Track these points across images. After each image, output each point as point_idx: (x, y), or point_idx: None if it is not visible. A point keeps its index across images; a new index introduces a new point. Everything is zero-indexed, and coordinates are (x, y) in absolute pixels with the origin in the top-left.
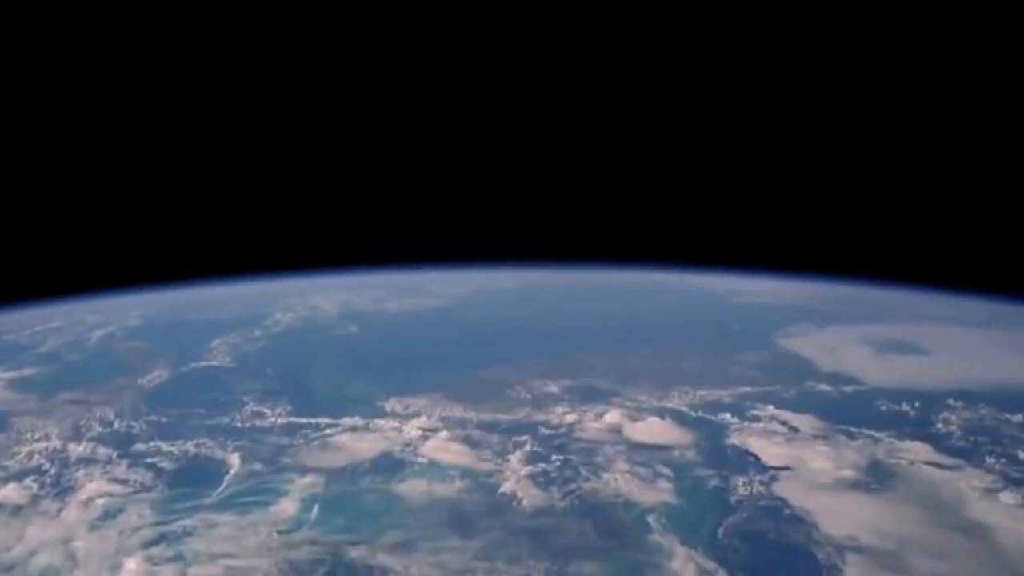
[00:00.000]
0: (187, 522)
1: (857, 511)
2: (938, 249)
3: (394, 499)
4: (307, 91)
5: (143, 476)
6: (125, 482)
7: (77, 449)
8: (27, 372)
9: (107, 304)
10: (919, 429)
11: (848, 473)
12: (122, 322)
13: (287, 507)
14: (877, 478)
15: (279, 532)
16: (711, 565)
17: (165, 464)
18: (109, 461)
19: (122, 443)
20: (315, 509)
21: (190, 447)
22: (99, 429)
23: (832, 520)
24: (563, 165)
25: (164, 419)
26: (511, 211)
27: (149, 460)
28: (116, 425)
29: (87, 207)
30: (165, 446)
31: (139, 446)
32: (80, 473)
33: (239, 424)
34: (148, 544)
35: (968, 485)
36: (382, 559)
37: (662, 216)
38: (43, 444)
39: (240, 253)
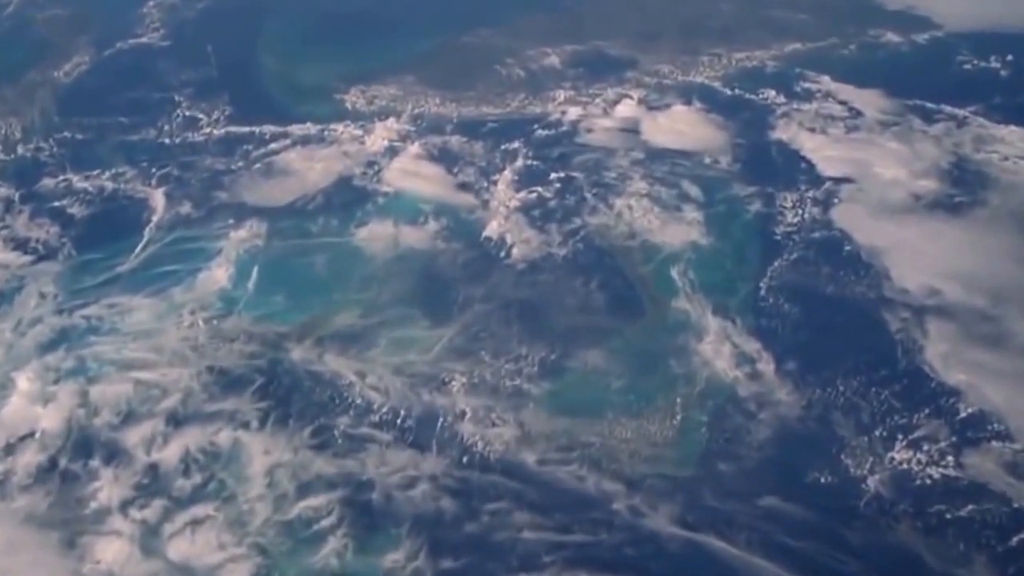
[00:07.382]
0: (94, 309)
1: (938, 246)
2: None
3: (350, 256)
4: None
5: (48, 232)
6: (25, 244)
7: None
8: None
9: None
10: (1013, 98)
11: (926, 184)
12: None
13: (218, 275)
14: (962, 187)
15: (205, 321)
16: (753, 345)
17: (75, 210)
18: (9, 207)
19: (27, 178)
20: (253, 277)
21: (106, 182)
22: (1, 156)
23: (907, 263)
24: None
25: (79, 135)
26: None
27: (57, 204)
28: (21, 149)
29: None
30: (77, 180)
31: (47, 182)
32: None
33: (167, 140)
34: (46, 347)
35: None
36: (331, 362)
37: None
38: None
39: None
